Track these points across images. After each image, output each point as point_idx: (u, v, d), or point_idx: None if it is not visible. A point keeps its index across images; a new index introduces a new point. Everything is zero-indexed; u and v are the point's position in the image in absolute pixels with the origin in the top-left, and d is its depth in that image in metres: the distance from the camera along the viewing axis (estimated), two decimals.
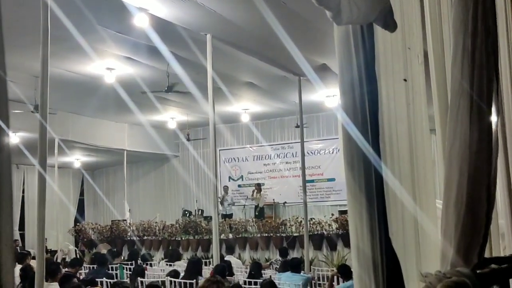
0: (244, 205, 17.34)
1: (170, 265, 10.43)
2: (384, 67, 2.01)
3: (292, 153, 18.01)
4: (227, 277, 7.80)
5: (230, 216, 16.46)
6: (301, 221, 13.79)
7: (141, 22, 7.88)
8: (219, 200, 15.20)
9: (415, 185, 2.47)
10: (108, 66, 10.81)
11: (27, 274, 7.32)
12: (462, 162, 1.55)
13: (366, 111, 1.60)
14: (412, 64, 2.22)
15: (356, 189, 1.63)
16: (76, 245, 16.77)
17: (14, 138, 12.70)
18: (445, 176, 1.65)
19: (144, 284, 8.16)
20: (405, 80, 2.12)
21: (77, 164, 19.45)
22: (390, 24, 1.63)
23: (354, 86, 1.59)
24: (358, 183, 1.62)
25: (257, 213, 16.60)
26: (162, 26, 8.09)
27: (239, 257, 13.79)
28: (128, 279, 8.96)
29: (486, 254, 1.68)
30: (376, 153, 1.66)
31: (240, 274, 9.85)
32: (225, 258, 10.54)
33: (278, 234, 14.41)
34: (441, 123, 2.38)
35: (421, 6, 2.36)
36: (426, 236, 2.36)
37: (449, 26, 2.29)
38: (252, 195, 16.97)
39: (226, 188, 17.54)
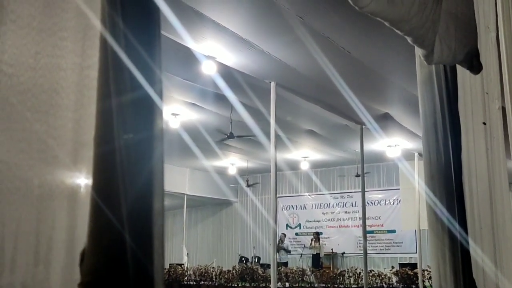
0: (301, 254, 17.11)
1: None
2: (464, 110, 1.99)
3: (352, 203, 17.74)
4: None
5: (285, 264, 16.28)
6: (360, 273, 13.45)
7: (208, 69, 8.08)
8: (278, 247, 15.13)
9: (496, 249, 2.34)
10: (174, 111, 11.10)
11: None
12: None
13: (450, 152, 1.59)
14: (490, 108, 2.18)
15: (439, 228, 1.60)
16: None
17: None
18: None
19: None
20: (484, 123, 2.10)
21: None
22: (475, 66, 1.63)
23: (437, 126, 1.59)
24: (440, 222, 1.59)
25: (313, 261, 16.38)
26: (228, 74, 8.28)
27: None
28: None
29: None
30: (458, 195, 1.64)
31: None
32: None
33: (336, 285, 14.05)
34: None
35: (498, 52, 2.35)
36: None
37: None
38: (310, 244, 16.78)
39: (283, 236, 17.38)
